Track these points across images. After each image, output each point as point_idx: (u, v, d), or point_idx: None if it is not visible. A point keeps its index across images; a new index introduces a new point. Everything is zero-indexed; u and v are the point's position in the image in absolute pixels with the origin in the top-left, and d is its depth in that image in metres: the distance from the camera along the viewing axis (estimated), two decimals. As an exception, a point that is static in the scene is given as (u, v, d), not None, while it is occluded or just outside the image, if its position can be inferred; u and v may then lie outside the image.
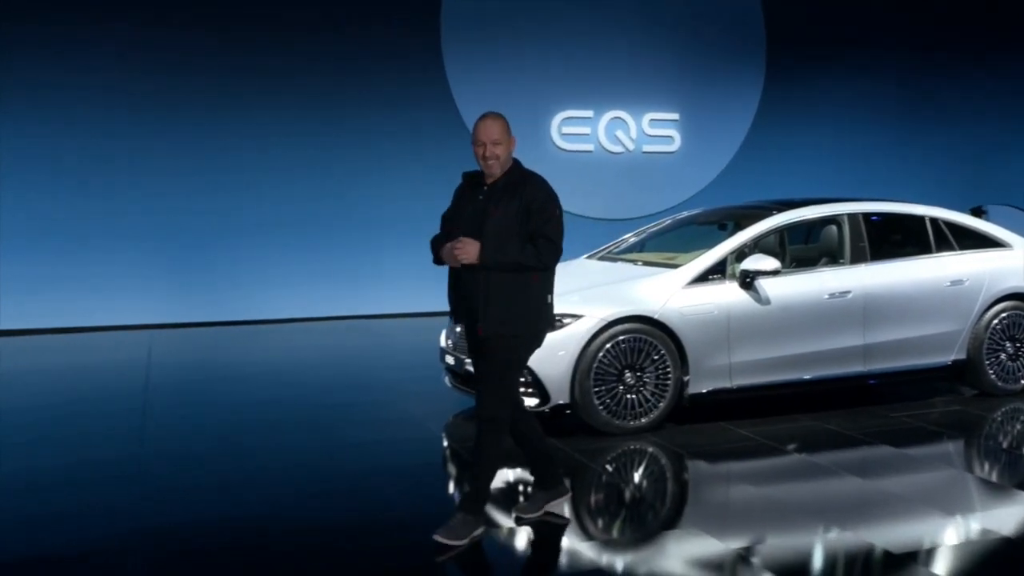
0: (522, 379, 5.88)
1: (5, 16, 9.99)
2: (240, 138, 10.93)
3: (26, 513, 4.69)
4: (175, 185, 10.70)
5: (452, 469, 5.64)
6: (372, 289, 11.30)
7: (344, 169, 11.41)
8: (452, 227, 4.32)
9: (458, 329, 5.98)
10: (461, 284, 4.30)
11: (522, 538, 4.48)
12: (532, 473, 4.68)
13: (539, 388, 5.87)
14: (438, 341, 6.77)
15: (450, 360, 6.44)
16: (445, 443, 6.08)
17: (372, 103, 11.38)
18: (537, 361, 5.80)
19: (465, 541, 4.19)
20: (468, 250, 4.13)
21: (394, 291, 11.17)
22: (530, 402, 5.91)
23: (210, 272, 10.87)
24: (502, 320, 4.17)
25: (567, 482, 4.72)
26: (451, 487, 5.35)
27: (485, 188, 4.30)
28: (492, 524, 4.54)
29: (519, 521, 4.52)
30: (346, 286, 11.33)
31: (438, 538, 4.18)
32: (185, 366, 8.67)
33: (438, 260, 4.36)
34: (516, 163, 4.36)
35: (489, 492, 4.40)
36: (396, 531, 4.44)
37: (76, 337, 10.10)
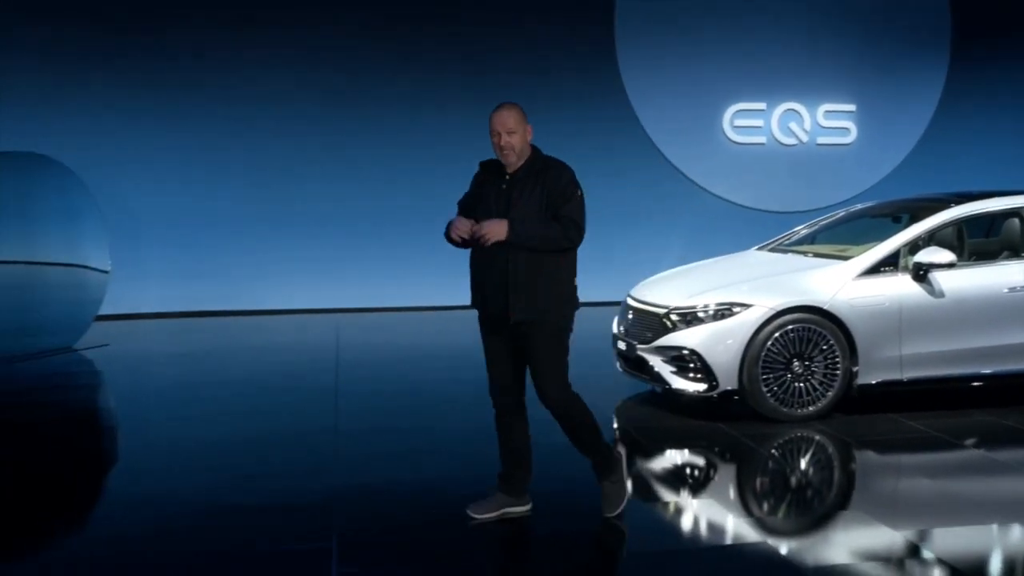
0: (690, 364, 6.09)
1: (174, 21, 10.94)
2: (422, 134, 11.48)
3: (239, 470, 5.26)
4: (357, 178, 11.37)
5: (621, 448, 5.85)
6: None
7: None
8: (475, 216, 4.26)
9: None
10: (483, 272, 4.28)
11: (688, 516, 4.68)
12: (504, 472, 4.49)
13: (707, 374, 6.04)
14: (611, 328, 7.02)
15: (621, 346, 6.68)
16: (615, 424, 6.33)
17: (543, 97, 11.69)
18: (706, 347, 6.03)
19: (623, 505, 4.38)
20: (495, 229, 4.08)
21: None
22: (698, 387, 6.09)
23: (389, 260, 11.50)
24: (529, 305, 4.16)
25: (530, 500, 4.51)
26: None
27: (507, 177, 4.27)
28: (660, 500, 4.77)
29: (472, 521, 4.38)
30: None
31: (607, 515, 4.35)
32: (370, 347, 9.29)
33: (451, 241, 4.27)
34: (535, 151, 4.32)
35: (611, 449, 4.44)
36: (567, 498, 4.71)
37: (269, 319, 11.00)
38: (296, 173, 11.30)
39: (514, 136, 4.18)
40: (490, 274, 4.23)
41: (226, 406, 6.81)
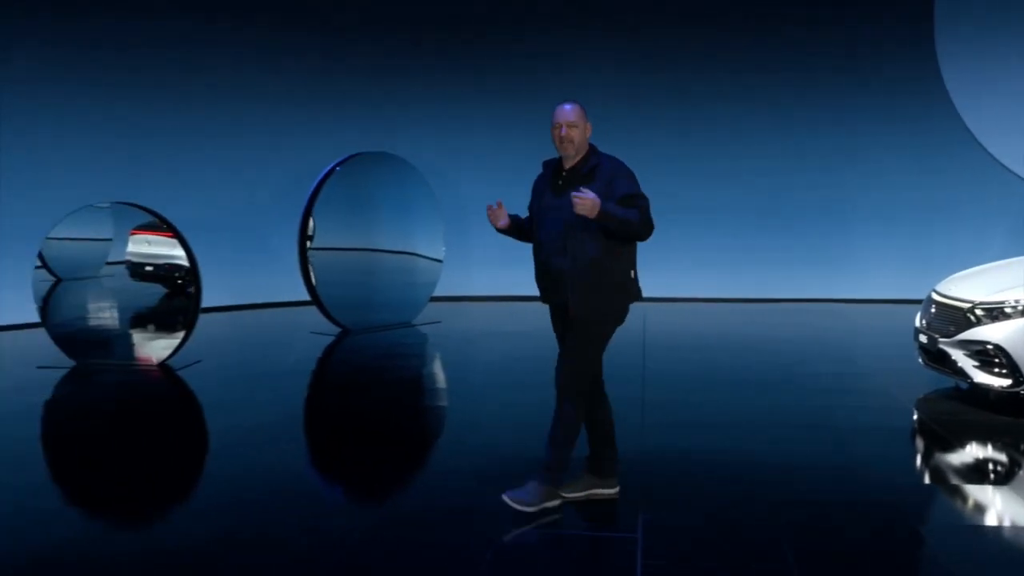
0: (995, 360, 6.05)
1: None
2: (744, 129, 11.82)
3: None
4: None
5: (919, 439, 5.97)
6: (846, 274, 11.59)
7: (825, 158, 11.81)
8: (536, 214, 4.42)
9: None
10: (543, 263, 4.39)
11: (991, 505, 4.75)
12: (591, 458, 4.65)
13: (1012, 369, 5.99)
14: (913, 322, 7.06)
15: (923, 339, 6.72)
16: (915, 416, 6.41)
17: (861, 93, 11.67)
18: (1011, 343, 5.99)
19: (535, 508, 4.36)
20: (588, 203, 4.04)
21: (867, 277, 11.36)
22: (1002, 383, 6.05)
23: (690, 251, 11.94)
24: (590, 300, 4.27)
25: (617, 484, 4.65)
26: (918, 454, 5.71)
27: (564, 174, 4.37)
28: (957, 486, 4.87)
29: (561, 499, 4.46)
30: (819, 270, 11.76)
31: (506, 498, 4.36)
32: (673, 333, 9.81)
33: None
34: (592, 148, 4.41)
35: (563, 469, 4.45)
36: (860, 475, 4.95)
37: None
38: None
39: (575, 129, 4.31)
40: (549, 266, 4.37)
41: (541, 378, 7.54)
